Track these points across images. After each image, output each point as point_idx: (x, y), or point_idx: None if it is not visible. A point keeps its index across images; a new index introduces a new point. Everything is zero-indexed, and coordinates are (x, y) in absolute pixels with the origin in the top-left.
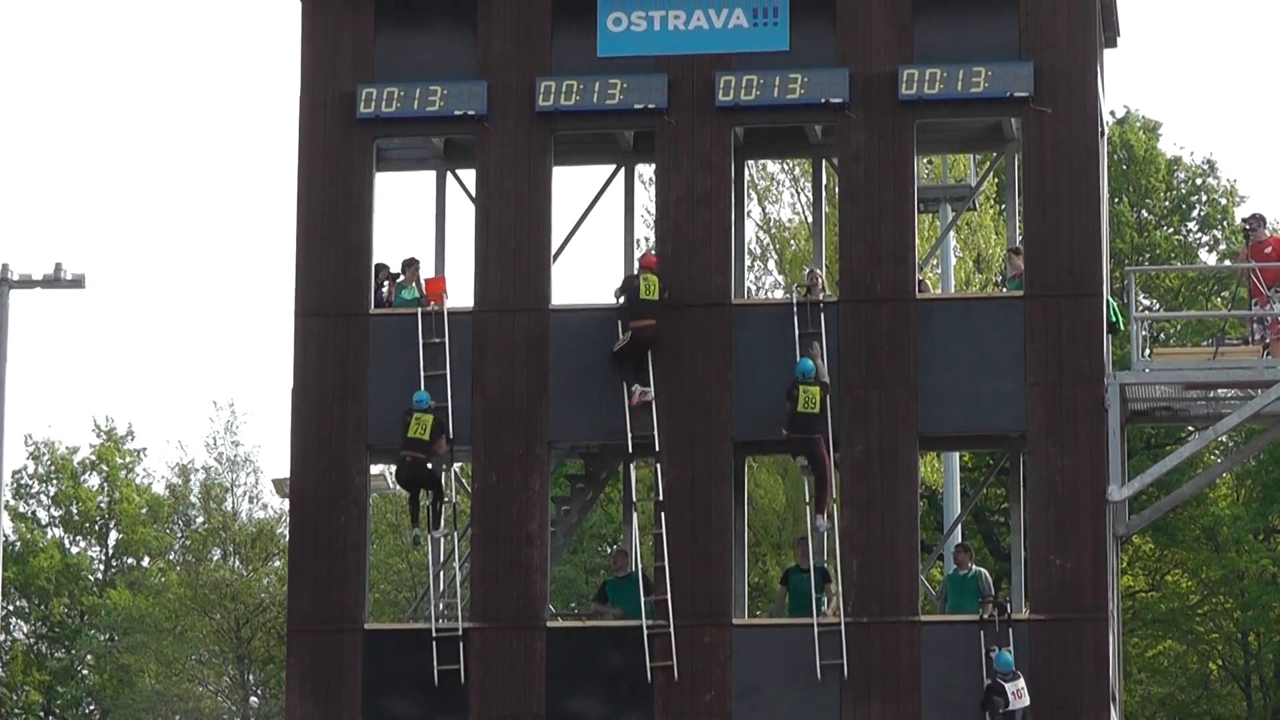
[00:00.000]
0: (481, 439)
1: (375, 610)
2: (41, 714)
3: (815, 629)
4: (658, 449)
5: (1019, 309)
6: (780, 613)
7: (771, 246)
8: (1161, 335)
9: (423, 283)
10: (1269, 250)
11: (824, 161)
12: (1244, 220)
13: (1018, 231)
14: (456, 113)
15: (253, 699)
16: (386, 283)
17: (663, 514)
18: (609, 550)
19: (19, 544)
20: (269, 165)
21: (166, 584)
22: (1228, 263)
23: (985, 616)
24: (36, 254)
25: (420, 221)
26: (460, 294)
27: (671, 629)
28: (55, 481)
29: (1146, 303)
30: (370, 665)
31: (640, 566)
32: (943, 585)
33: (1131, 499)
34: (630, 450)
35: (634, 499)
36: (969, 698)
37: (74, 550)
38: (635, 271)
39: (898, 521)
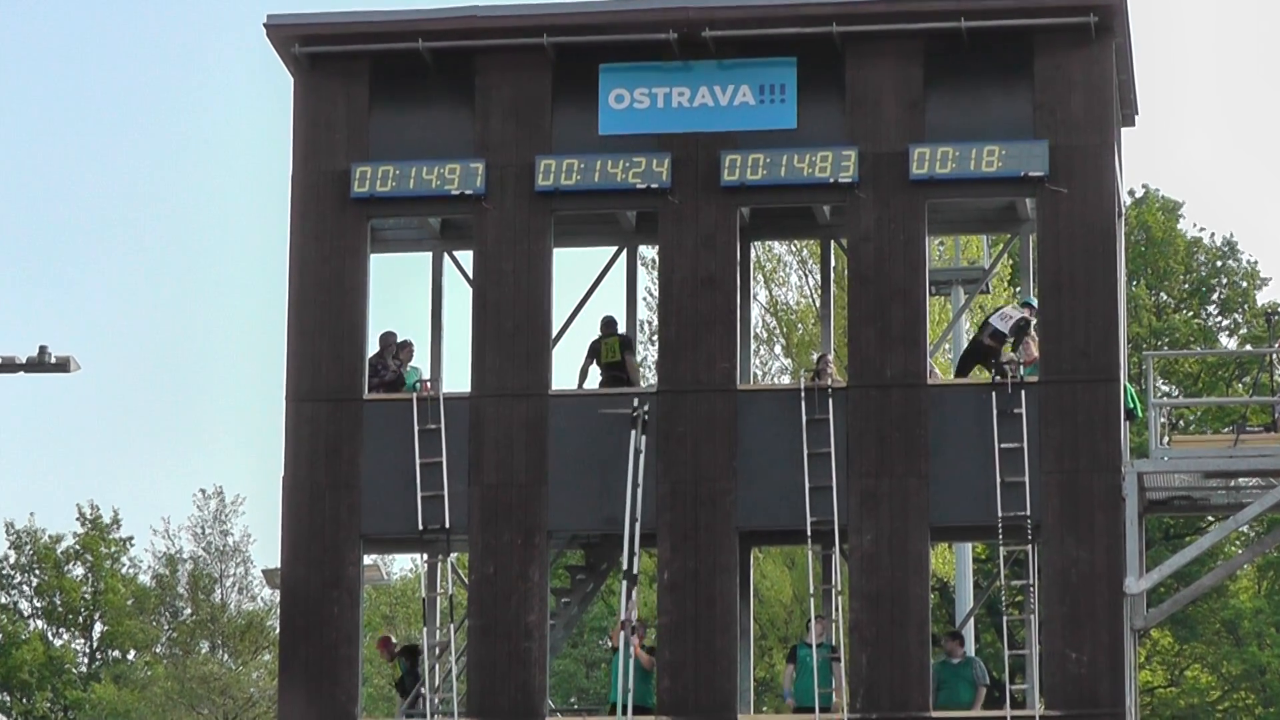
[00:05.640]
0: (479, 528)
1: (369, 705)
2: None
3: None
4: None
5: (1034, 395)
6: (789, 693)
7: (778, 330)
8: (1180, 422)
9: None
10: None
11: (833, 242)
12: None
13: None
14: (453, 192)
15: None
16: (399, 355)
17: (633, 604)
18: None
19: (0, 636)
20: (260, 245)
21: (153, 677)
22: (1249, 348)
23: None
24: (21, 336)
25: (416, 304)
26: (457, 379)
27: None
28: (38, 571)
29: (1165, 389)
30: None
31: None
32: (935, 675)
33: (1149, 591)
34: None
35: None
36: None
37: (57, 643)
38: (598, 335)
39: (908, 614)
